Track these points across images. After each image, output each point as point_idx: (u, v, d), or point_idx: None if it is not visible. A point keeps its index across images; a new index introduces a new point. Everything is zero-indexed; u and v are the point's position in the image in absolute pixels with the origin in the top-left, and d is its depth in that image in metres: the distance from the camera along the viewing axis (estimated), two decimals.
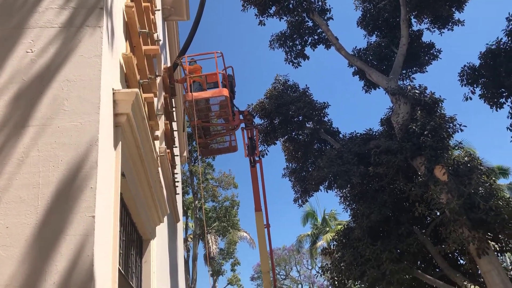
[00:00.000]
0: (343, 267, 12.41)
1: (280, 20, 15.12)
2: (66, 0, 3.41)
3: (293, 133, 14.74)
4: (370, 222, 11.75)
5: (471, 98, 12.89)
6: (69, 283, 2.63)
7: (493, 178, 12.65)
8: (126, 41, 4.53)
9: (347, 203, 13.89)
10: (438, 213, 11.08)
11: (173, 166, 8.89)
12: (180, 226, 12.43)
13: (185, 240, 25.85)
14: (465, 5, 14.41)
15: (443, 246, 10.67)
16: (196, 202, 24.75)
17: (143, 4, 5.12)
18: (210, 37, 57.68)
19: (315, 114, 14.16)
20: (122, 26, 4.34)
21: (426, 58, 15.42)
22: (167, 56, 9.99)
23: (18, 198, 2.81)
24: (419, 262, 12.64)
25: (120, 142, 3.63)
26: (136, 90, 3.68)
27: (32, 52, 3.21)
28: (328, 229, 30.16)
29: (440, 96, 12.21)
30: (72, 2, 3.40)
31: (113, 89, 3.54)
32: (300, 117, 14.14)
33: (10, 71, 3.14)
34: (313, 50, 15.85)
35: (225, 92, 11.05)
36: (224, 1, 59.97)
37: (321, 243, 29.53)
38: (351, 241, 12.35)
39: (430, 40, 15.51)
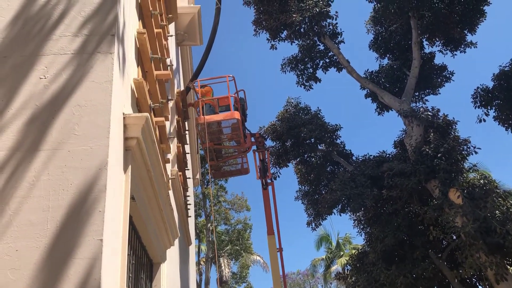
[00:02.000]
0: None
1: (291, 44, 15.31)
2: (80, 28, 3.51)
3: (305, 156, 14.72)
4: (384, 246, 11.57)
5: (484, 120, 12.80)
6: None
7: (511, 202, 12.39)
8: (138, 66, 4.62)
9: (361, 226, 13.73)
10: (455, 237, 10.87)
11: (185, 188, 8.92)
12: (193, 249, 12.37)
13: (198, 264, 25.68)
14: (478, 27, 14.44)
15: (460, 271, 10.42)
16: (209, 225, 24.66)
17: (155, 30, 5.23)
18: (223, 60, 58.45)
19: (327, 136, 14.16)
20: (134, 52, 4.44)
21: (439, 80, 15.41)
22: (180, 80, 10.14)
23: (28, 221, 2.84)
24: (435, 287, 12.35)
25: (130, 166, 3.66)
26: (146, 114, 3.73)
27: (45, 78, 3.29)
28: (342, 253, 29.74)
29: (453, 118, 12.17)
30: (85, 30, 3.50)
31: (123, 113, 3.60)
32: (312, 140, 14.14)
33: (24, 97, 3.22)
34: (325, 73, 15.96)
35: (237, 115, 11.15)
36: (237, 26, 61.00)
37: (336, 267, 29.10)
38: (365, 265, 12.15)
39: (443, 62, 15.56)
